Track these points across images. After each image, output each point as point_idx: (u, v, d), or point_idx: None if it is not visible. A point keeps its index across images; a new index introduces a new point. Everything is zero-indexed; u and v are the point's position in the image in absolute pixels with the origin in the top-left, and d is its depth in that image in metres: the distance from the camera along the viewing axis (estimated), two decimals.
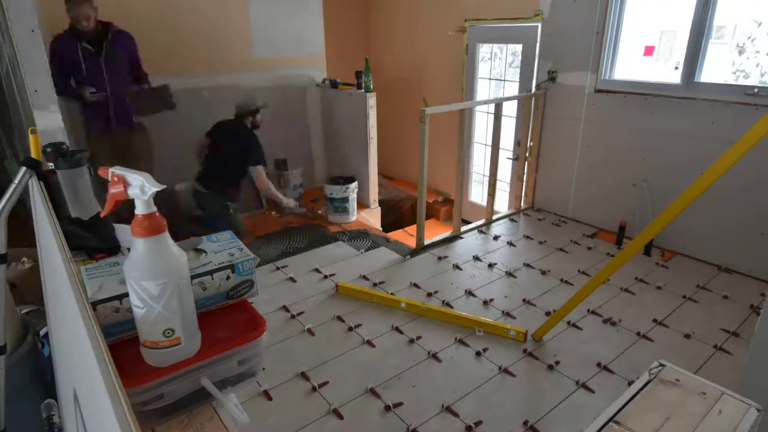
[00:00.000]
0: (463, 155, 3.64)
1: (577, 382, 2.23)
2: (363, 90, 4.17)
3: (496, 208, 4.13)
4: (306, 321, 2.72)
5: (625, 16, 3.44)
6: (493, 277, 3.20)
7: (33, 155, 1.36)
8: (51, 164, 1.42)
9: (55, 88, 2.28)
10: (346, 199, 4.07)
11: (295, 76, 4.57)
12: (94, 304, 0.85)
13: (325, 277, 3.20)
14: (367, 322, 2.70)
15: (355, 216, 4.21)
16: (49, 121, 2.52)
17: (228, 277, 0.99)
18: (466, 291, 3.02)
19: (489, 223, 4.08)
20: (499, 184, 4.07)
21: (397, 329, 2.64)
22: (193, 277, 0.93)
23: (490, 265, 3.35)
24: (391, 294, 2.96)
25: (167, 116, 3.96)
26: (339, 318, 2.74)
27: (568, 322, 2.66)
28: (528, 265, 3.33)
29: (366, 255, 3.55)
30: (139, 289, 0.77)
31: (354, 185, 4.11)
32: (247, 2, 4.10)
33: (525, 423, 2.02)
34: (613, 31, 3.48)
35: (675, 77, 3.29)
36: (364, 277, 3.20)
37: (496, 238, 3.81)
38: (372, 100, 4.13)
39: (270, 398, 2.15)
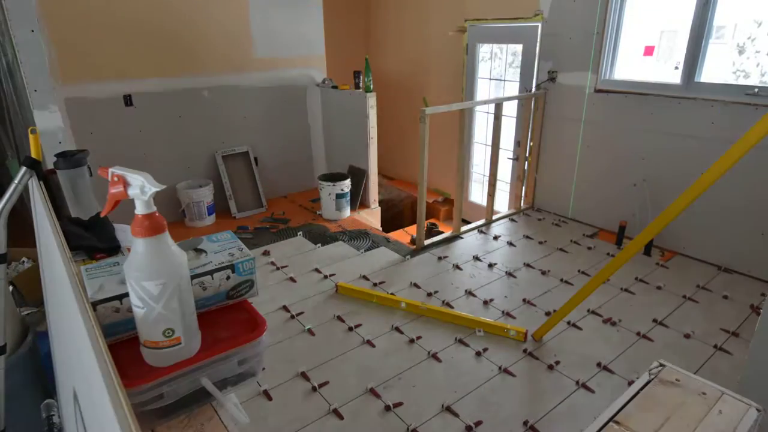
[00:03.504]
0: (463, 155, 3.65)
1: (577, 382, 2.23)
2: (363, 90, 4.17)
3: (496, 208, 4.13)
4: (306, 321, 2.72)
5: (625, 16, 3.44)
6: (493, 277, 3.20)
7: (33, 155, 1.36)
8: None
9: None
10: (342, 195, 4.11)
11: (295, 76, 4.57)
12: (95, 304, 0.85)
13: (325, 277, 3.20)
14: (367, 322, 2.70)
15: (348, 213, 4.24)
16: (49, 121, 2.53)
17: (228, 277, 0.99)
18: (466, 291, 3.02)
19: (489, 223, 4.08)
20: (499, 184, 4.07)
21: (397, 329, 2.64)
22: (193, 277, 0.93)
23: (490, 265, 3.35)
24: (391, 294, 2.96)
25: (169, 118, 3.97)
26: (339, 318, 2.74)
27: (568, 322, 2.66)
28: (528, 265, 3.33)
29: (366, 255, 3.55)
30: (139, 289, 0.77)
31: (347, 182, 4.14)
32: (247, 2, 4.10)
33: (525, 423, 2.02)
34: (613, 31, 3.48)
35: (675, 77, 3.29)
36: (364, 277, 3.19)
37: (496, 238, 3.81)
38: (372, 100, 4.13)
39: (270, 398, 2.15)
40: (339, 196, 4.11)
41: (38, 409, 1.43)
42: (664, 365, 1.06)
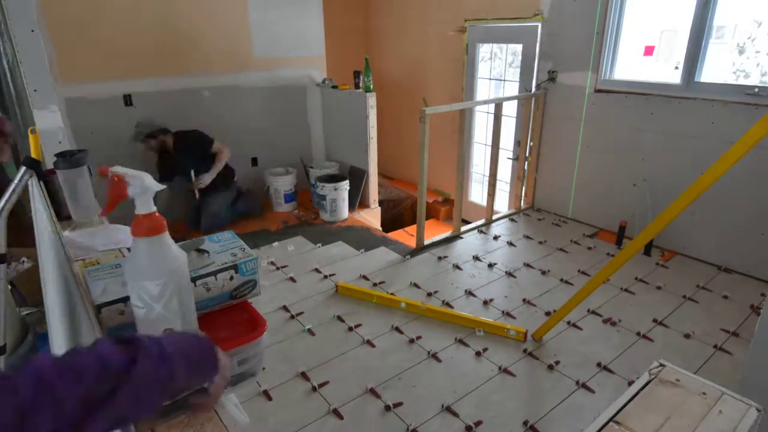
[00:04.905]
0: (463, 155, 3.64)
1: (577, 382, 2.23)
2: (363, 90, 4.17)
3: (496, 208, 4.13)
4: (306, 321, 2.72)
5: (625, 16, 3.44)
6: (493, 277, 3.20)
7: (33, 155, 1.36)
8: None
9: None
10: (335, 198, 4.10)
11: (295, 76, 4.57)
12: (99, 307, 0.85)
13: (325, 277, 3.20)
14: (367, 322, 2.70)
15: (346, 214, 4.23)
16: (49, 120, 2.52)
17: (231, 278, 0.99)
18: (466, 291, 3.02)
19: (489, 223, 4.08)
20: (499, 184, 4.07)
21: (397, 329, 2.64)
22: (196, 278, 0.93)
23: (490, 265, 3.35)
24: (391, 294, 2.96)
25: (169, 118, 3.96)
26: (339, 318, 2.74)
27: (568, 322, 2.66)
28: (528, 265, 3.33)
29: (366, 255, 3.55)
30: (140, 288, 0.77)
31: (344, 183, 4.13)
32: (247, 2, 4.10)
33: (525, 423, 2.02)
34: (613, 31, 3.48)
35: (675, 77, 3.29)
36: (364, 277, 3.19)
37: (496, 238, 3.81)
38: (372, 100, 4.13)
39: (270, 398, 2.15)
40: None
41: None
42: (664, 365, 1.06)
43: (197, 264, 0.97)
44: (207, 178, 3.88)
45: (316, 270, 3.29)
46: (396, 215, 5.35)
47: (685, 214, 2.01)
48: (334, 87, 4.54)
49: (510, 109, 4.26)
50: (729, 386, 1.01)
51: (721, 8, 2.98)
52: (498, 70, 4.70)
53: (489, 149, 4.04)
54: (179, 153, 3.83)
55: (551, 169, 4.13)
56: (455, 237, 3.82)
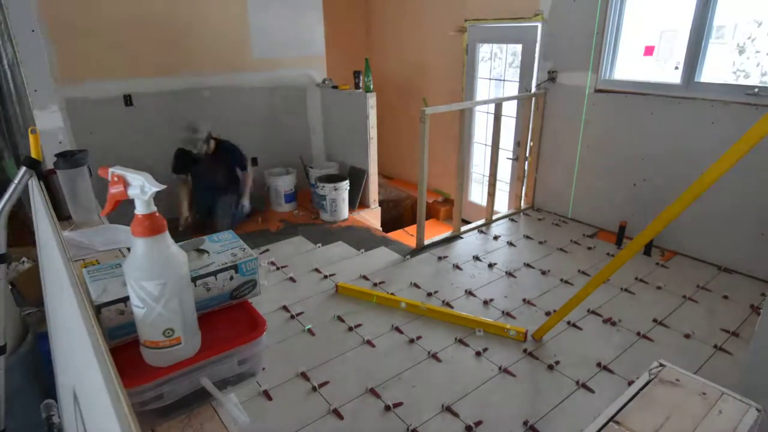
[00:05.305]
0: (463, 155, 3.65)
1: (577, 382, 2.23)
2: (363, 90, 4.18)
3: (496, 208, 4.13)
4: (306, 321, 2.72)
5: (625, 16, 3.44)
6: (493, 277, 3.20)
7: (33, 155, 1.36)
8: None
9: None
10: (335, 198, 4.10)
11: (295, 76, 4.57)
12: (99, 307, 0.85)
13: (325, 277, 3.20)
14: (367, 322, 2.70)
15: (346, 214, 4.24)
16: (49, 121, 2.52)
17: (231, 278, 0.99)
18: (466, 291, 3.02)
19: (489, 223, 4.08)
20: (499, 184, 4.07)
21: (397, 329, 2.64)
22: (196, 278, 0.93)
23: (490, 265, 3.35)
24: (391, 294, 2.96)
25: (169, 118, 3.96)
26: (339, 318, 2.74)
27: (568, 322, 2.66)
28: (528, 265, 3.33)
29: (366, 255, 3.55)
30: (139, 289, 0.77)
31: (345, 183, 4.14)
32: (247, 3, 4.10)
33: (525, 423, 2.02)
34: (613, 31, 3.48)
35: (675, 77, 3.29)
36: (364, 277, 3.19)
37: (496, 238, 3.81)
38: (372, 100, 4.13)
39: (270, 398, 2.15)
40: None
41: (38, 409, 1.43)
42: (664, 365, 1.06)
43: (197, 264, 0.96)
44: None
45: (316, 270, 3.29)
46: (396, 215, 5.35)
47: (685, 214, 2.01)
48: (334, 87, 4.54)
49: (510, 109, 4.26)
50: (729, 386, 1.01)
51: (721, 8, 2.98)
52: (498, 70, 4.70)
53: (489, 149, 4.04)
54: (216, 162, 3.87)
55: (551, 169, 4.13)
56: (455, 237, 3.82)
